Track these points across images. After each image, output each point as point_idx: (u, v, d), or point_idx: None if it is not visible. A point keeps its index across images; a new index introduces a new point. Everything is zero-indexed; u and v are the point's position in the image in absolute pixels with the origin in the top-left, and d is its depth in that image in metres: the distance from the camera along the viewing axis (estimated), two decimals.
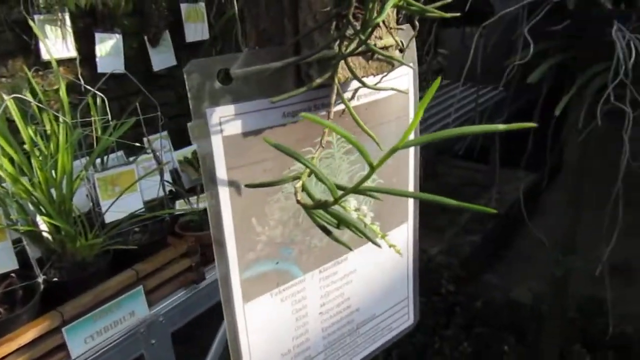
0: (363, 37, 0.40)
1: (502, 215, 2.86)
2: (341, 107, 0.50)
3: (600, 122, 1.36)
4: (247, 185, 0.46)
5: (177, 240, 1.45)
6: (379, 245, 0.39)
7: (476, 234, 2.90)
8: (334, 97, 0.43)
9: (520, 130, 0.28)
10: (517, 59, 1.53)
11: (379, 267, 0.61)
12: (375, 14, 0.39)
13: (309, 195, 0.40)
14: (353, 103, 0.51)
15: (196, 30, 1.98)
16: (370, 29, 0.39)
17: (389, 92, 0.53)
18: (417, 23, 0.47)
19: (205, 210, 1.53)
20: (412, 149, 0.60)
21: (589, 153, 1.70)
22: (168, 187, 1.57)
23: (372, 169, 0.33)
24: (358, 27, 0.40)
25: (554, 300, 1.95)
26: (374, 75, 0.46)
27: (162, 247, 1.41)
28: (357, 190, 0.35)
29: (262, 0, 0.47)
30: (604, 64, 1.37)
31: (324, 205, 0.37)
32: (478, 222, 3.00)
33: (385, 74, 0.48)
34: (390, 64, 0.47)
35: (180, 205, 1.61)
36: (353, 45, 0.41)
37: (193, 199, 1.62)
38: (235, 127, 0.45)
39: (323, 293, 0.57)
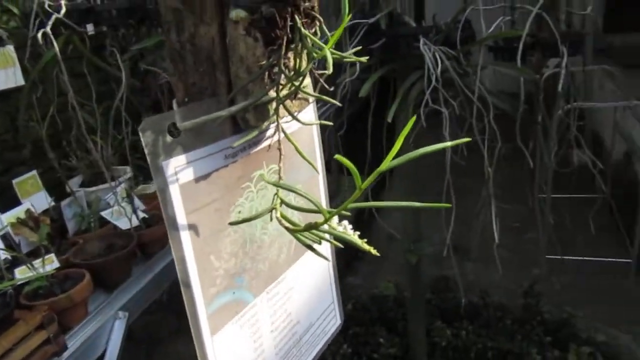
0: (297, 84, 0.49)
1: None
2: (267, 142, 0.59)
3: (424, 124, 1.65)
4: (230, 223, 0.52)
5: (26, 313, 1.32)
6: (366, 249, 0.48)
7: None
8: (280, 134, 0.52)
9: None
10: (346, 76, 1.77)
11: (310, 278, 0.70)
12: (304, 63, 0.49)
13: (288, 220, 0.47)
14: (275, 137, 0.60)
15: (7, 76, 1.81)
16: (302, 76, 0.49)
17: (299, 124, 0.63)
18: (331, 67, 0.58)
19: (53, 274, 1.43)
20: (320, 168, 0.70)
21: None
22: (3, 255, 1.43)
23: (359, 190, 0.42)
24: (289, 74, 0.50)
25: (412, 286, 2.24)
26: (297, 112, 0.56)
27: (10, 325, 1.27)
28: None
29: (189, 56, 0.53)
30: (419, 72, 1.66)
31: (314, 227, 0.45)
32: None
33: (302, 109, 0.58)
34: (307, 100, 0.57)
35: (22, 273, 1.47)
36: (286, 90, 0.50)
37: (37, 262, 1.49)
38: (188, 175, 0.50)
39: (271, 312, 0.64)
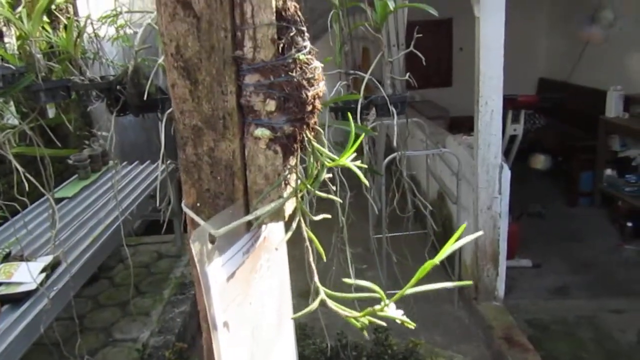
0: (312, 189, 0.59)
1: None
2: (263, 235, 0.66)
3: None
4: (293, 317, 0.56)
5: None
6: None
7: None
8: (289, 233, 0.60)
9: None
10: None
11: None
12: (316, 170, 0.59)
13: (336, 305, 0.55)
14: (267, 230, 0.67)
15: None
16: (318, 183, 0.58)
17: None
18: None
19: None
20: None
21: None
22: None
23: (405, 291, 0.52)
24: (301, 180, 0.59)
25: None
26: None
27: None
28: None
29: (206, 167, 0.58)
30: None
31: (372, 312, 0.53)
32: None
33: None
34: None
35: None
36: (299, 194, 0.59)
37: None
38: (222, 276, 0.55)
39: None
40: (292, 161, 0.58)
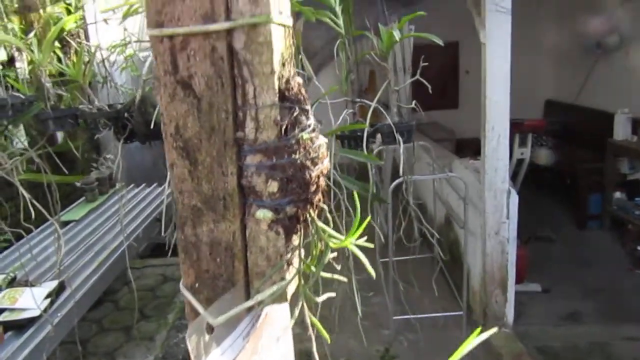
0: (316, 270, 0.58)
1: None
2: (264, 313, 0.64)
3: None
4: None
5: None
6: None
7: None
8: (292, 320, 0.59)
9: None
10: None
11: None
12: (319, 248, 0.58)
13: None
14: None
15: None
16: (322, 265, 0.58)
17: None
18: None
19: None
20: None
21: None
22: None
23: None
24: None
25: None
26: None
27: None
28: None
29: (205, 247, 0.57)
30: None
31: None
32: None
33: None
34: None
35: None
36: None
37: None
38: None
39: None
40: (295, 241, 0.58)
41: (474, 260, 3.16)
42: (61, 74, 1.89)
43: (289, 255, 0.56)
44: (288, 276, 0.57)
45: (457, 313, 3.22)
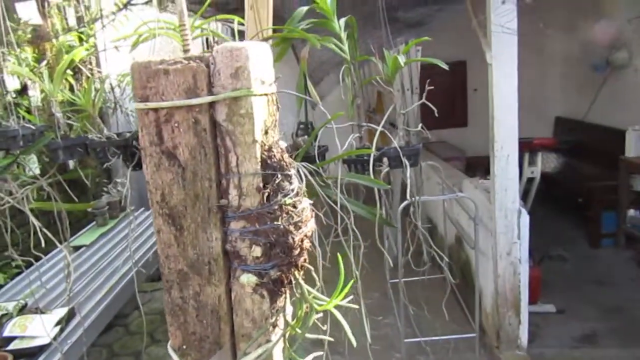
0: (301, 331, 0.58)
1: None
2: None
3: None
4: None
5: None
6: None
7: None
8: None
9: None
10: None
11: None
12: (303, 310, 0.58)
13: None
14: None
15: None
16: (306, 328, 0.58)
17: None
18: None
19: None
20: None
21: None
22: None
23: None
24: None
25: None
26: None
27: None
28: None
29: (191, 310, 0.58)
30: None
31: None
32: None
33: None
34: None
35: None
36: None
37: None
38: None
39: None
40: (280, 303, 0.58)
41: (486, 281, 3.12)
42: (72, 103, 1.92)
43: (274, 318, 0.57)
44: (274, 338, 0.57)
45: (469, 335, 3.17)
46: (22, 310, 2.36)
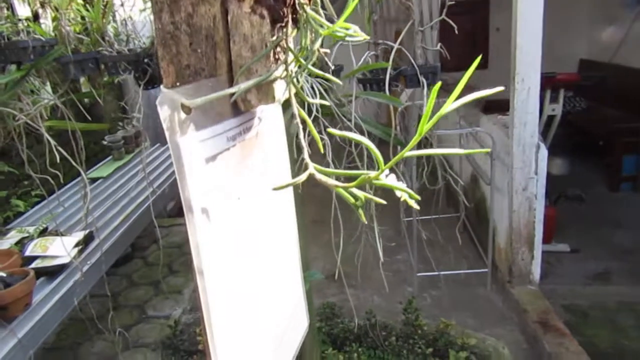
0: (305, 63, 0.54)
1: None
2: (255, 130, 0.61)
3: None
4: (274, 188, 0.53)
5: None
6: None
7: None
8: (297, 115, 0.55)
9: None
10: None
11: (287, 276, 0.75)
12: (308, 40, 0.54)
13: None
14: (262, 125, 0.63)
15: None
16: (312, 54, 0.53)
17: (271, 123, 0.66)
18: None
19: None
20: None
21: None
22: None
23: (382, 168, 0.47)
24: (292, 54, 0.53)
25: None
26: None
27: None
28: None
29: (184, 38, 0.52)
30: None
31: (367, 180, 0.47)
32: None
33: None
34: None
35: None
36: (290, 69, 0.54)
37: None
38: (200, 154, 0.51)
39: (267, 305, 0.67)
40: (283, 28, 0.52)
41: (501, 217, 3.11)
42: (85, 27, 1.88)
43: (276, 40, 0.51)
44: (276, 69, 0.52)
45: (482, 270, 3.18)
46: (43, 233, 2.42)
